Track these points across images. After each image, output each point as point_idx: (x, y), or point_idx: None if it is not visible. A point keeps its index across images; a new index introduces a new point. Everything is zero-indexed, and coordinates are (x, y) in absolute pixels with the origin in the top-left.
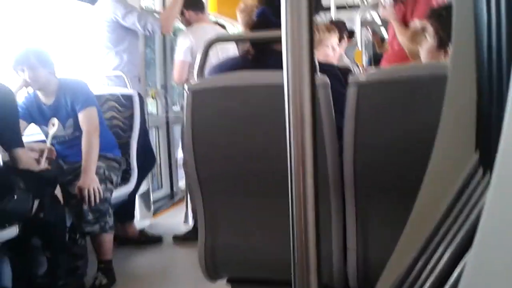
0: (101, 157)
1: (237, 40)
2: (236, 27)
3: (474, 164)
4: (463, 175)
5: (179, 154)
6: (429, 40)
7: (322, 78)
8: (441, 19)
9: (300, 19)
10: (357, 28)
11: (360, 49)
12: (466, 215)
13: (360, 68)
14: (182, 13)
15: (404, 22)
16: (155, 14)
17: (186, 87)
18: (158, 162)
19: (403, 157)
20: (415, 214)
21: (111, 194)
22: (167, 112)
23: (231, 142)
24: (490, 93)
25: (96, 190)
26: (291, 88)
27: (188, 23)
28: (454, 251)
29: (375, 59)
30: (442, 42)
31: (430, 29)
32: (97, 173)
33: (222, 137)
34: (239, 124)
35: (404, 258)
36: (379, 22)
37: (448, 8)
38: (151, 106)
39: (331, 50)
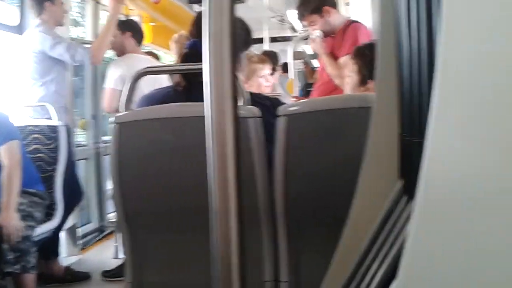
0: (23, 192)
1: (166, 72)
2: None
3: (398, 192)
4: (387, 203)
5: (109, 186)
6: (352, 77)
7: (252, 109)
8: (364, 58)
9: (223, 52)
10: (289, 59)
11: (291, 79)
12: (391, 243)
13: (292, 98)
14: (116, 38)
15: (333, 54)
16: (86, 44)
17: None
18: (87, 195)
19: (332, 186)
20: (343, 243)
21: (33, 231)
22: (96, 142)
23: (158, 176)
24: (411, 123)
25: (17, 228)
26: (214, 121)
27: (121, 52)
28: (381, 280)
29: (307, 89)
30: (364, 79)
31: (353, 67)
32: (18, 209)
33: (149, 170)
34: (166, 157)
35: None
36: (310, 53)
37: (370, 46)
38: (80, 137)
39: (264, 80)
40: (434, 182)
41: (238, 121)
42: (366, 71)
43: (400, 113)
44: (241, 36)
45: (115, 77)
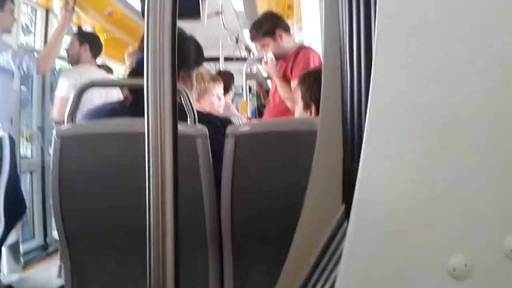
0: None
1: (111, 85)
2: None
3: (341, 216)
4: (331, 227)
5: None
6: (298, 101)
7: (200, 128)
8: (306, 83)
9: (164, 69)
10: (243, 79)
11: (245, 99)
12: (333, 266)
13: (244, 118)
14: (73, 48)
15: (285, 77)
16: (34, 52)
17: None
18: (31, 209)
19: (278, 208)
20: (287, 265)
21: None
22: (42, 155)
23: (99, 193)
24: (352, 149)
25: None
26: (152, 139)
27: (75, 62)
28: None
29: (260, 110)
30: (307, 105)
31: (298, 92)
32: None
33: (90, 187)
34: (109, 174)
35: None
36: (264, 74)
37: (313, 73)
38: (25, 149)
39: (216, 99)
40: (365, 207)
41: (177, 139)
42: (309, 97)
43: (343, 138)
44: (191, 54)
45: (66, 86)
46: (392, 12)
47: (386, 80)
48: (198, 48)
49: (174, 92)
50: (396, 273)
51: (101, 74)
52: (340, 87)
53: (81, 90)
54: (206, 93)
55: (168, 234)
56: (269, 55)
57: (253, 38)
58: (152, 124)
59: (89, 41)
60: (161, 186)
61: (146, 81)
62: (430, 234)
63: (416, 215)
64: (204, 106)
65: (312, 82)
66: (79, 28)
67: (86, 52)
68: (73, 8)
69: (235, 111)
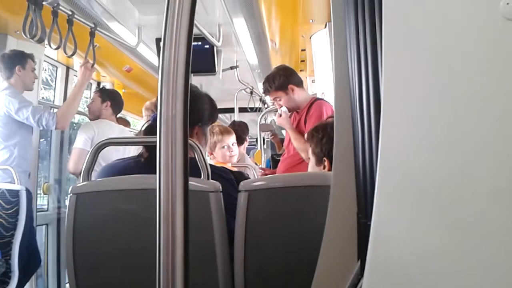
0: None
1: (127, 144)
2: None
3: (356, 272)
4: (347, 283)
5: None
6: (310, 156)
7: (213, 183)
8: (314, 140)
9: (176, 133)
10: (257, 130)
11: (259, 149)
12: None
13: (260, 169)
14: (95, 104)
15: (299, 128)
16: (53, 108)
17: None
18: (45, 262)
19: (291, 263)
20: None
21: None
22: (59, 208)
23: (113, 249)
24: (365, 204)
25: None
26: (163, 195)
27: (95, 117)
28: None
29: (275, 160)
30: (319, 159)
31: (309, 148)
32: None
33: (104, 243)
34: (123, 230)
35: None
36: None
37: (320, 127)
38: (42, 201)
39: (227, 150)
40: (379, 264)
41: (187, 195)
42: (319, 151)
43: (357, 193)
44: (206, 110)
45: (84, 138)
46: (398, 65)
47: (394, 134)
48: (212, 105)
49: (186, 148)
50: None
51: (119, 128)
52: (351, 140)
53: (98, 148)
54: (215, 145)
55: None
56: (283, 109)
57: (266, 92)
58: (164, 180)
59: (111, 99)
60: (171, 242)
61: (158, 138)
62: None
63: (430, 273)
64: (218, 157)
65: (321, 136)
66: (101, 86)
67: (107, 109)
68: (92, 66)
69: (250, 161)
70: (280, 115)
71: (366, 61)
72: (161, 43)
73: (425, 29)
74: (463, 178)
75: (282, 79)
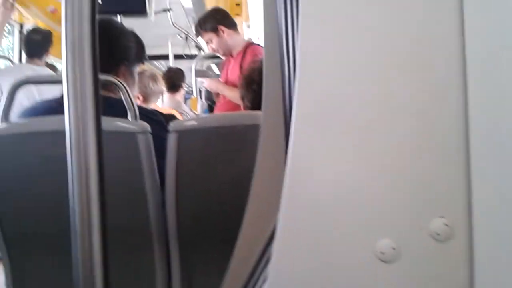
0: None
1: (48, 82)
2: None
3: None
4: (276, 220)
5: None
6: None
7: (141, 124)
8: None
9: (83, 61)
10: (192, 77)
11: (195, 96)
12: None
13: (194, 115)
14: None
15: (235, 73)
16: None
17: None
18: None
19: (224, 204)
20: (234, 261)
21: None
22: None
23: (35, 194)
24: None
25: None
26: (74, 135)
27: None
28: None
29: (212, 107)
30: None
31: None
32: None
33: (26, 189)
34: (44, 174)
35: None
36: (216, 71)
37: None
38: None
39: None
40: (294, 196)
41: (101, 135)
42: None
43: (285, 133)
44: (131, 49)
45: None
46: (315, 8)
47: (309, 75)
48: (139, 43)
49: (96, 86)
50: (326, 259)
51: (45, 72)
52: (281, 82)
53: (15, 87)
54: (154, 95)
55: (95, 233)
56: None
57: (197, 33)
58: (73, 121)
59: None
60: (85, 185)
61: (65, 77)
62: (356, 219)
63: (342, 201)
64: (153, 105)
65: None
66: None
67: None
68: (12, 5)
69: (186, 108)
70: (209, 80)
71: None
72: None
73: None
74: (372, 111)
75: (213, 20)
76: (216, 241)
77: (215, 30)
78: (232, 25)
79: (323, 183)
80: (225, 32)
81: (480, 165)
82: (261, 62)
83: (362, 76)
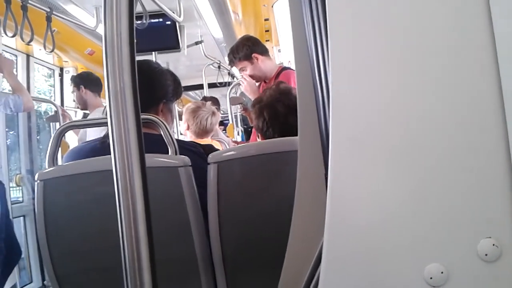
0: None
1: (91, 125)
2: None
3: None
4: (321, 242)
5: None
6: None
7: (182, 157)
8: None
9: (126, 109)
10: (227, 103)
11: (231, 123)
12: None
13: (233, 142)
14: (75, 94)
15: None
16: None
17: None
18: (27, 253)
19: (267, 230)
20: (282, 284)
21: None
22: (34, 198)
23: (85, 233)
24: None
25: None
26: (120, 176)
27: (83, 106)
28: None
29: (248, 132)
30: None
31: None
32: None
33: (76, 229)
34: (92, 213)
35: None
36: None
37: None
38: (17, 193)
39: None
40: (338, 219)
41: (145, 172)
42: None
43: (323, 154)
44: (169, 86)
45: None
46: (342, 19)
47: (342, 88)
48: (176, 80)
49: (138, 121)
50: (374, 284)
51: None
52: (314, 103)
53: (60, 132)
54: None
55: (145, 268)
56: (245, 74)
57: (231, 63)
58: (119, 161)
59: (83, 83)
60: (133, 222)
61: (108, 114)
62: (403, 243)
63: (387, 225)
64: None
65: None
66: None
67: (86, 93)
68: (52, 51)
69: (223, 135)
70: (243, 82)
71: (319, 24)
72: (101, 14)
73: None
74: (418, 120)
75: (246, 49)
76: (262, 268)
77: (249, 58)
78: (264, 51)
79: (365, 207)
80: (259, 59)
81: None
82: (278, 92)
83: (397, 94)
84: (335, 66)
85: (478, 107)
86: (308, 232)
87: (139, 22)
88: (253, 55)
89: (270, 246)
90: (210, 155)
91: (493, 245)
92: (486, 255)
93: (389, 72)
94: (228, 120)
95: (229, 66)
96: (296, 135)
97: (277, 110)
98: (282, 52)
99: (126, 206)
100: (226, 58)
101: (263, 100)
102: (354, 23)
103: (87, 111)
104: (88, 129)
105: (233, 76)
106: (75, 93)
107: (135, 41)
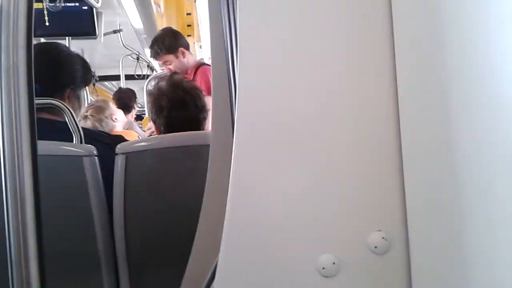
0: None
1: None
2: None
3: None
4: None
5: None
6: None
7: (87, 147)
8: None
9: (19, 87)
10: (144, 97)
11: (147, 116)
12: None
13: (146, 129)
14: None
15: None
16: None
17: None
18: None
19: (173, 226)
20: (186, 280)
21: None
22: None
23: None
24: None
25: None
26: (9, 161)
27: None
28: None
29: None
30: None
31: None
32: None
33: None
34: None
35: None
36: None
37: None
38: None
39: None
40: (238, 209)
41: (36, 159)
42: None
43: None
44: (78, 72)
45: None
46: (251, 14)
47: (247, 84)
48: (85, 66)
49: (32, 106)
50: (268, 275)
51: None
52: (228, 99)
53: None
54: (103, 117)
55: (31, 258)
56: (168, 68)
57: (155, 56)
58: (8, 144)
59: None
60: (20, 210)
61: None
62: (298, 235)
63: (283, 217)
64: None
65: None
66: None
67: None
68: None
69: (138, 128)
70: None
71: (235, 20)
72: None
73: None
74: (315, 117)
75: (172, 41)
76: (167, 265)
77: (175, 51)
78: (187, 46)
79: (263, 200)
80: (185, 54)
81: (413, 178)
82: (168, 85)
83: (298, 90)
84: (242, 62)
85: (372, 105)
86: (215, 229)
87: (52, 4)
88: (179, 49)
89: (177, 243)
90: (118, 146)
91: (383, 238)
92: (375, 247)
93: (290, 70)
94: (145, 113)
95: (150, 59)
96: (182, 129)
97: (161, 105)
98: (203, 49)
99: (13, 192)
100: (146, 50)
101: (153, 93)
102: (261, 19)
103: None
104: None
105: (152, 69)
106: None
107: (33, 14)
